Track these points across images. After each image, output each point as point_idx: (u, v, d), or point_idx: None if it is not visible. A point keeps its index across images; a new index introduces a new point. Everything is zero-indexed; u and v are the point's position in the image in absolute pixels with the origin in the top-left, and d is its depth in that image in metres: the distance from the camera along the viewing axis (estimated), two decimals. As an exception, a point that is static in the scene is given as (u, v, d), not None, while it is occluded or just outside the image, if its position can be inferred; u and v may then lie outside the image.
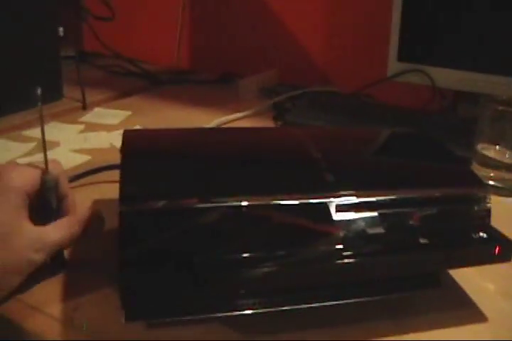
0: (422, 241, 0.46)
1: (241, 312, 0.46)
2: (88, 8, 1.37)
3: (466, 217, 0.49)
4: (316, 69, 1.25)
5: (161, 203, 0.44)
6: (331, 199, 0.46)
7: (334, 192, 0.47)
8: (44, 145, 0.53)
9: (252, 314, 0.46)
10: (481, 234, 0.47)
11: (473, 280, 0.54)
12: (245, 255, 0.44)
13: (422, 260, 0.47)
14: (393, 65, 1.03)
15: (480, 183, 0.52)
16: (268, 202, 0.45)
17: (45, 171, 0.52)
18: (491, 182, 0.76)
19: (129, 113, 1.02)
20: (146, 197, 0.45)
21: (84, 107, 1.03)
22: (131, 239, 0.44)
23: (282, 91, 1.12)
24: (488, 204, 0.49)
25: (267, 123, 0.99)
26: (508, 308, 0.51)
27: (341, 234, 0.46)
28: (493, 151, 0.77)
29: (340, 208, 0.46)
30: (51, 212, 0.52)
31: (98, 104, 1.07)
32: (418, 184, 0.51)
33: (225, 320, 0.47)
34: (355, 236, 0.46)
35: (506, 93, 0.88)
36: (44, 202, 0.51)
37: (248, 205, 0.44)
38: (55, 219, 0.51)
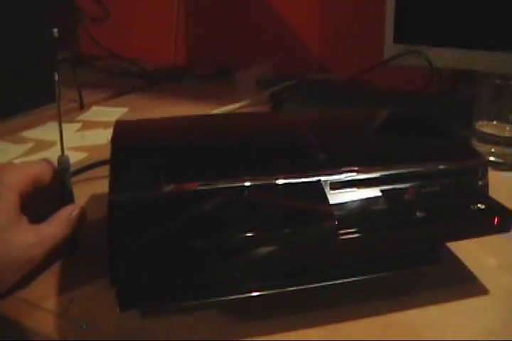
0: (420, 215, 0.45)
1: (245, 295, 0.45)
2: (82, 8, 1.38)
3: (465, 189, 0.48)
4: (313, 58, 1.24)
5: (152, 189, 0.44)
6: (326, 176, 0.45)
7: (330, 169, 0.46)
8: (60, 129, 0.56)
9: (255, 296, 0.45)
10: (480, 205, 0.46)
11: (475, 255, 0.53)
12: (247, 235, 0.43)
13: (420, 234, 0.46)
14: (389, 48, 1.02)
15: (477, 156, 0.51)
16: (263, 182, 0.44)
17: (61, 155, 0.55)
18: (492, 158, 0.75)
19: (125, 110, 1.02)
20: (137, 185, 0.45)
21: (82, 107, 1.03)
22: (122, 228, 0.43)
23: (279, 81, 1.11)
24: (487, 176, 0.48)
25: (265, 113, 0.98)
26: (511, 282, 0.50)
27: (339, 211, 0.45)
28: (491, 127, 0.75)
29: (336, 185, 0.45)
30: (69, 193, 0.55)
31: (95, 103, 1.07)
32: (415, 159, 0.50)
33: (226, 304, 0.46)
34: (352, 213, 0.45)
35: (504, 69, 0.87)
36: (61, 183, 0.54)
37: (244, 186, 0.44)
38: (72, 201, 0.55)
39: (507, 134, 0.75)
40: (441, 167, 0.48)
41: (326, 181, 0.45)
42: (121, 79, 1.24)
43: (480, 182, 0.47)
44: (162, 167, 0.48)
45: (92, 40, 1.37)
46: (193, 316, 0.46)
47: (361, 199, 0.46)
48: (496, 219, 0.44)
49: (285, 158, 0.49)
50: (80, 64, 1.34)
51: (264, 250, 0.42)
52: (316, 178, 0.44)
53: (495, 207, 0.46)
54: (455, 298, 0.48)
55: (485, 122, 0.76)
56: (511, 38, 0.89)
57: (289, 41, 1.26)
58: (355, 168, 0.46)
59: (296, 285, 0.46)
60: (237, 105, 1.01)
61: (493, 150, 0.75)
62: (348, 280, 0.47)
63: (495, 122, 0.75)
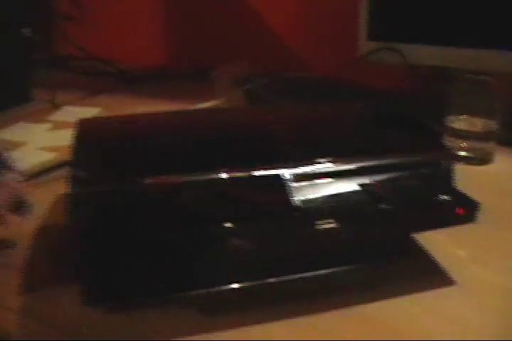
0: (384, 207, 0.45)
1: (224, 288, 0.44)
2: (59, 9, 1.36)
3: (430, 181, 0.48)
4: (291, 56, 1.23)
5: (110, 184, 0.43)
6: (288, 169, 0.44)
7: (293, 162, 0.45)
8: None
9: (222, 291, 0.44)
10: (445, 197, 0.46)
11: (444, 247, 0.53)
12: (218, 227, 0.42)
13: (384, 226, 0.46)
14: (364, 45, 1.02)
15: (443, 148, 0.51)
16: (208, 177, 0.44)
17: None
18: (463, 153, 0.75)
19: (98, 110, 1.01)
20: (96, 179, 0.44)
21: (54, 107, 1.02)
22: (84, 223, 0.42)
23: (256, 79, 1.10)
24: (452, 168, 0.48)
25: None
26: (478, 272, 0.50)
27: (301, 203, 0.44)
28: (462, 122, 0.75)
29: (300, 177, 0.44)
30: None
31: (69, 103, 1.05)
32: (381, 152, 0.49)
33: (193, 298, 0.45)
34: (316, 206, 0.45)
35: (477, 66, 0.87)
36: None
37: (197, 181, 0.43)
38: None
39: (477, 129, 0.74)
40: (407, 159, 0.48)
41: (289, 173, 0.44)
42: (97, 79, 1.23)
43: (445, 174, 0.47)
44: (122, 162, 0.47)
45: (68, 40, 1.35)
46: (162, 311, 0.45)
47: (326, 192, 0.45)
48: (460, 210, 0.44)
49: (248, 151, 0.48)
50: (56, 64, 1.33)
51: (228, 243, 0.42)
52: (277, 171, 0.44)
53: (459, 198, 0.46)
54: (423, 290, 0.47)
55: (456, 117, 0.76)
56: (484, 35, 0.89)
57: (268, 39, 1.25)
58: (320, 161, 0.45)
59: (259, 280, 0.45)
60: (211, 104, 1.01)
61: (464, 145, 0.75)
62: (317, 272, 0.46)
63: (465, 116, 0.75)
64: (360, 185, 0.46)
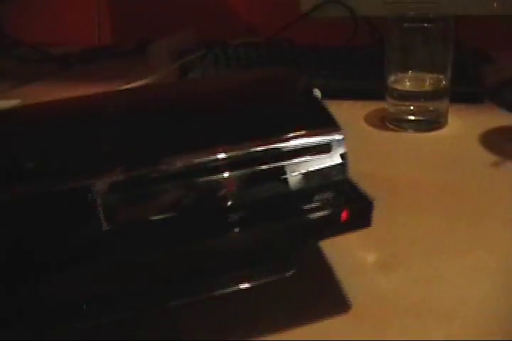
0: (239, 215, 0.33)
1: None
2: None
3: (309, 174, 0.35)
4: (234, 22, 1.11)
5: None
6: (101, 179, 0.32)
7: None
8: None
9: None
10: (328, 195, 0.34)
11: (349, 251, 0.41)
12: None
13: (237, 243, 0.33)
14: (306, 0, 0.89)
15: (330, 127, 0.37)
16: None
17: None
18: (411, 117, 0.63)
19: (17, 101, 0.90)
20: None
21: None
22: None
23: (195, 51, 0.98)
24: (343, 154, 0.36)
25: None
26: (385, 284, 0.38)
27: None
28: (407, 80, 0.63)
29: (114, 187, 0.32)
30: None
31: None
32: (242, 140, 0.36)
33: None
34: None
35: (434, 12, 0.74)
36: None
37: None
38: None
39: (425, 88, 0.62)
40: (278, 146, 0.35)
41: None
42: (33, 66, 1.12)
43: (332, 163, 0.35)
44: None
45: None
46: None
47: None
48: (344, 214, 0.32)
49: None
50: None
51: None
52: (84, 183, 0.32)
53: (349, 197, 0.34)
54: (313, 313, 0.36)
55: (400, 75, 0.63)
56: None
57: (211, 6, 1.12)
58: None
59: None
60: (143, 82, 0.89)
61: (412, 108, 0.63)
62: (192, 299, 0.35)
63: (410, 74, 0.63)
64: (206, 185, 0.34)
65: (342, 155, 0.35)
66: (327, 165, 0.35)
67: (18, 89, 1.00)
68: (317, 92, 0.72)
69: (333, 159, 0.35)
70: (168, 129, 0.36)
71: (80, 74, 1.04)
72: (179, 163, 0.32)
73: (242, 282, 0.36)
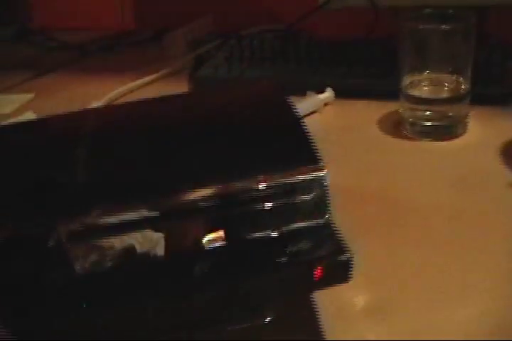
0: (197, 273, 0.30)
1: None
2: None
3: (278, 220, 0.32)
4: (253, 11, 1.06)
5: None
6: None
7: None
8: None
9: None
10: (303, 245, 0.31)
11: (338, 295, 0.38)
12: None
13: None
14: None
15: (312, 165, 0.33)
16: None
17: None
18: (428, 123, 0.59)
19: (31, 96, 0.88)
20: None
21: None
22: None
23: (211, 40, 0.95)
24: (323, 193, 0.32)
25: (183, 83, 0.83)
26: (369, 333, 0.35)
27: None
28: (424, 85, 0.58)
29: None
30: None
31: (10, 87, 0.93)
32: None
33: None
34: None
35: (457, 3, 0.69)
36: None
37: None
38: None
39: (445, 94, 0.58)
40: (240, 186, 0.31)
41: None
42: (48, 55, 1.11)
43: (311, 206, 0.32)
44: None
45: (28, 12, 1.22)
46: None
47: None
48: (318, 272, 0.29)
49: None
50: (20, 39, 1.21)
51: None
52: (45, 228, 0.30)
53: (326, 249, 0.30)
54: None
55: (415, 77, 0.59)
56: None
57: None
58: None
59: None
60: (148, 78, 0.87)
61: (428, 113, 0.58)
62: None
63: (427, 74, 0.58)
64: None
65: (323, 196, 0.32)
66: (305, 208, 0.32)
67: (34, 80, 0.98)
68: (330, 91, 0.68)
69: (314, 201, 0.32)
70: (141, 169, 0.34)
71: (96, 64, 1.02)
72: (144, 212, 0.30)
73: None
